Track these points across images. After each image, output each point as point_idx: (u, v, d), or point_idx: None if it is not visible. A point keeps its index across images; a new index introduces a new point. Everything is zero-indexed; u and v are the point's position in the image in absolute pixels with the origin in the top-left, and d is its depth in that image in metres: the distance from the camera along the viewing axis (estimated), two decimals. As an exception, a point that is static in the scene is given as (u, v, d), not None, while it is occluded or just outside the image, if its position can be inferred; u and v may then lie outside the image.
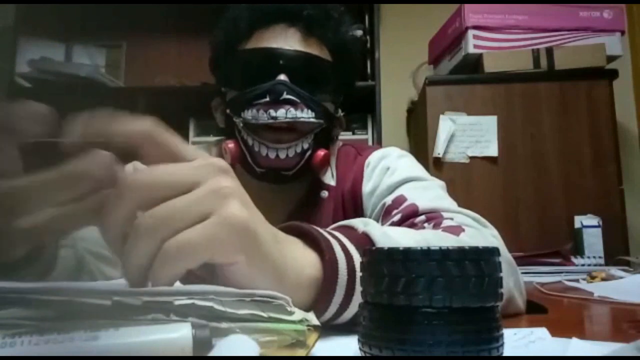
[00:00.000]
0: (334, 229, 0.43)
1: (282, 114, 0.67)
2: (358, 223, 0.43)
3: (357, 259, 0.37)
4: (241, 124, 0.70)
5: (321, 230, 0.39)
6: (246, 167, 0.72)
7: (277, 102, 0.67)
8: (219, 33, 0.78)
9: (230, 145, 0.72)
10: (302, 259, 0.37)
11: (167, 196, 0.29)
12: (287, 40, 0.72)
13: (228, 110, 0.73)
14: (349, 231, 0.41)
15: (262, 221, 0.34)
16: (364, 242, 0.39)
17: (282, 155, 0.69)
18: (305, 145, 0.71)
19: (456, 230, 0.52)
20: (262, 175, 0.71)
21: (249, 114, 0.69)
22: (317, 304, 0.36)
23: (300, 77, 0.69)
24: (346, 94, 0.81)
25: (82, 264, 0.55)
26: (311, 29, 0.74)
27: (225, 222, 0.29)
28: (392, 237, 0.41)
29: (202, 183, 0.30)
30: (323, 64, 0.73)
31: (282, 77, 0.68)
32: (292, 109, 0.68)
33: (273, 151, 0.69)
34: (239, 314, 0.28)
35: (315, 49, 0.73)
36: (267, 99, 0.67)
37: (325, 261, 0.36)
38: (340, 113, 0.80)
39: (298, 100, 0.68)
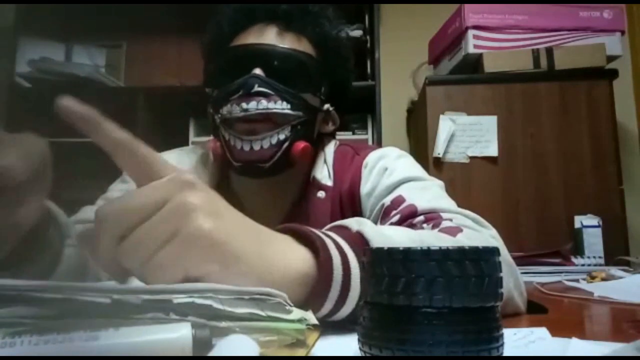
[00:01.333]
0: (328, 229, 0.43)
1: (253, 106, 0.68)
2: (352, 223, 0.43)
3: (351, 257, 0.38)
4: (219, 120, 0.71)
5: (315, 230, 0.39)
6: (228, 163, 0.73)
7: (249, 95, 0.68)
8: (206, 38, 0.80)
9: (211, 144, 0.74)
10: (291, 255, 0.37)
11: (140, 219, 0.32)
12: (262, 36, 0.73)
13: (210, 110, 0.74)
14: (343, 231, 0.41)
15: (234, 226, 0.35)
16: (358, 241, 0.40)
17: (256, 147, 0.69)
18: (282, 137, 0.70)
19: (454, 231, 0.52)
20: (241, 169, 0.71)
21: (225, 110, 0.70)
22: (313, 300, 0.36)
23: (276, 70, 0.70)
24: (339, 90, 0.81)
25: (86, 264, 0.55)
26: (288, 24, 0.75)
27: (189, 239, 0.32)
28: (387, 235, 0.41)
29: (168, 200, 0.32)
30: (299, 56, 0.73)
31: (257, 71, 0.69)
32: (263, 101, 0.68)
33: (247, 143, 0.69)
34: (237, 313, 0.28)
35: (292, 43, 0.74)
36: (241, 92, 0.68)
37: (319, 259, 0.36)
38: (329, 107, 0.79)
39: (271, 93, 0.69)
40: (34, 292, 0.26)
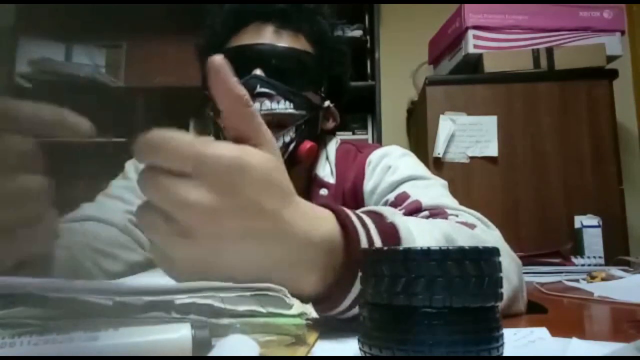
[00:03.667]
0: (364, 212, 0.40)
1: (256, 107, 0.67)
2: (386, 211, 0.40)
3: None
4: (221, 123, 0.70)
5: (353, 218, 0.37)
6: None
7: (252, 96, 0.67)
8: (201, 41, 0.80)
9: None
10: (322, 275, 0.35)
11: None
12: (260, 36, 0.73)
13: (211, 113, 0.73)
14: (379, 218, 0.39)
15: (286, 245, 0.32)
16: (390, 232, 0.37)
17: None
18: (287, 138, 0.70)
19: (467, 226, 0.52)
20: None
21: None
22: (330, 298, 0.35)
23: (276, 69, 0.70)
24: (338, 85, 0.81)
25: (77, 264, 0.55)
26: (285, 22, 0.74)
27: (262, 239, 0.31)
28: (414, 235, 0.38)
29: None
30: (297, 53, 0.73)
31: (258, 71, 0.69)
32: (267, 102, 0.68)
33: None
34: (238, 311, 0.28)
35: (289, 41, 0.74)
36: None
37: (350, 255, 0.34)
38: (329, 104, 0.79)
39: (273, 93, 0.68)
40: (39, 290, 0.26)
